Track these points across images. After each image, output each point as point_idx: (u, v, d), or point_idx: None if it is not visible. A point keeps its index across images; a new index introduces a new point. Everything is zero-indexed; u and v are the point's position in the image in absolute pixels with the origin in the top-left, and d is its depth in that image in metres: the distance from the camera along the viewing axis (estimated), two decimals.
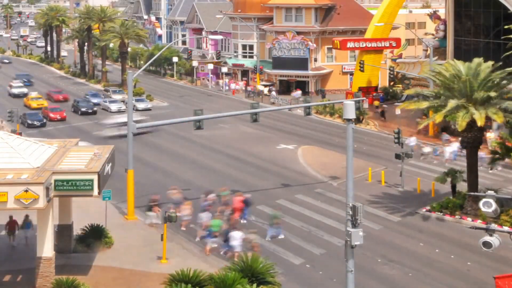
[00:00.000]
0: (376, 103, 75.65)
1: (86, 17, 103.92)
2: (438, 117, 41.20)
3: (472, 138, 41.28)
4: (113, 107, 78.21)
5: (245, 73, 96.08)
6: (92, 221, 36.69)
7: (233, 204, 39.86)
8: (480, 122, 39.23)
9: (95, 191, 30.28)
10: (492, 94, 40.26)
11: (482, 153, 54.41)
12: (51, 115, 72.74)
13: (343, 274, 26.33)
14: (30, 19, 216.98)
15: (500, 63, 44.63)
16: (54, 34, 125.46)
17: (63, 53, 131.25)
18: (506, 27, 52.74)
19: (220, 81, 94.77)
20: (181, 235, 37.39)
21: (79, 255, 34.27)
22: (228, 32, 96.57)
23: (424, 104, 43.10)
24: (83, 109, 76.81)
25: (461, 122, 39.71)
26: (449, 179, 43.89)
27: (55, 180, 29.86)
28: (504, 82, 42.53)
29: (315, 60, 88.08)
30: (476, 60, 42.88)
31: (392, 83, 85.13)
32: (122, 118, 59.71)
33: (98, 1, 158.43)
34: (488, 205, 23.23)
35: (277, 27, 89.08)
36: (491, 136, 55.42)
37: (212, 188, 44.01)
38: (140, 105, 78.23)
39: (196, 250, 35.97)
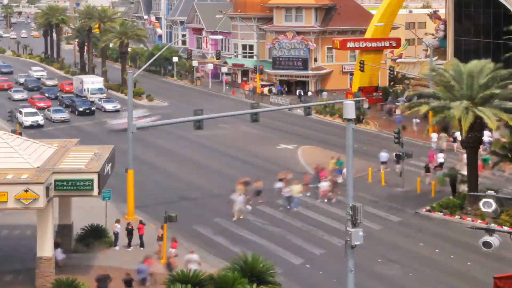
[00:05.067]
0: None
1: (86, 17, 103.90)
2: (454, 122, 40.84)
3: (472, 138, 41.32)
4: (108, 106, 78.33)
5: (245, 73, 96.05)
6: (92, 221, 36.70)
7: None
8: (492, 125, 39.44)
9: (95, 191, 30.30)
10: (495, 92, 40.34)
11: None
12: None
13: (343, 274, 26.32)
14: (30, 19, 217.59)
15: (501, 64, 44.66)
16: (54, 34, 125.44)
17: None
18: (505, 29, 52.84)
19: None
20: (181, 235, 37.34)
21: (79, 255, 34.27)
22: (228, 32, 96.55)
23: (426, 108, 43.05)
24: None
25: (465, 123, 39.73)
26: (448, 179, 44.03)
27: (55, 180, 29.88)
28: (506, 82, 42.54)
29: (315, 60, 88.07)
30: (478, 61, 42.93)
31: (392, 83, 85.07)
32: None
33: (98, 1, 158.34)
34: (488, 205, 23.20)
35: (277, 27, 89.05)
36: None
37: (212, 188, 43.96)
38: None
39: (196, 250, 35.92)
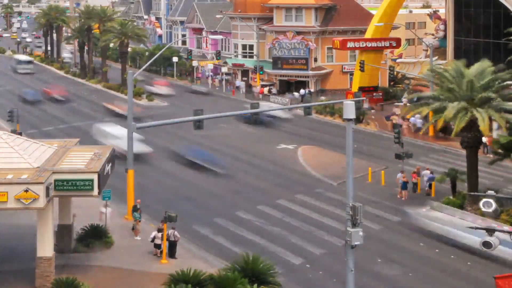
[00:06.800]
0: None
1: (86, 17, 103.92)
2: (440, 122, 41.10)
3: (472, 138, 41.34)
4: None
5: (245, 73, 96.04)
6: (92, 221, 36.70)
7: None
8: (484, 128, 39.43)
9: (95, 191, 30.30)
10: (492, 95, 40.39)
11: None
12: None
13: (343, 274, 26.35)
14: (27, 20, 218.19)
15: (501, 64, 44.72)
16: (54, 34, 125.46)
17: (66, 53, 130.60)
18: (505, 31, 52.86)
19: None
20: (181, 235, 37.32)
21: (79, 255, 34.28)
22: (228, 32, 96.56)
23: (426, 110, 43.12)
24: None
25: (458, 124, 39.84)
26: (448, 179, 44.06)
27: (55, 180, 29.87)
28: (505, 83, 42.59)
29: (315, 60, 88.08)
30: (478, 62, 42.99)
31: (392, 83, 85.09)
32: None
33: (98, 1, 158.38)
34: (488, 205, 23.27)
35: (277, 27, 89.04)
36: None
37: (212, 188, 43.90)
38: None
39: (196, 250, 35.97)
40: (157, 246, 34.51)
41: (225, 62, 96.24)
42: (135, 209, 38.09)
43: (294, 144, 60.64)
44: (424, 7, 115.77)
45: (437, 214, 38.89)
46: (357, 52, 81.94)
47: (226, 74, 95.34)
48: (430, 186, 45.58)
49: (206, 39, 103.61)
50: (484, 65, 42.64)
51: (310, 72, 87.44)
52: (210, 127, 56.42)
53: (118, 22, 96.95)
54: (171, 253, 34.47)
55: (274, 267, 30.98)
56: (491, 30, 63.61)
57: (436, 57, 71.87)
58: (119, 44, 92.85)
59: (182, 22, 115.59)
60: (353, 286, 25.14)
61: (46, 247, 30.47)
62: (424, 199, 44.49)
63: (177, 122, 49.61)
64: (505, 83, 42.38)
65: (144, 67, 49.22)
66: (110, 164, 33.38)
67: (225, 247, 36.42)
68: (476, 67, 42.58)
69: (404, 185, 44.81)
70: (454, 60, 49.44)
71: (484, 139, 50.25)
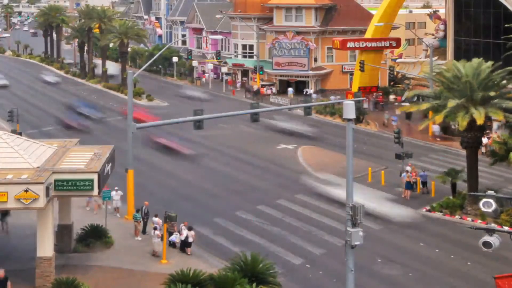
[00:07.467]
0: None
1: (86, 17, 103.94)
2: (438, 118, 41.32)
3: (472, 138, 41.35)
4: None
5: (245, 73, 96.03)
6: (92, 221, 36.70)
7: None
8: (479, 121, 39.35)
9: (95, 191, 30.31)
10: (491, 94, 40.42)
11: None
12: None
13: (343, 274, 26.34)
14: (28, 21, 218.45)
15: (500, 63, 44.75)
16: (54, 34, 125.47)
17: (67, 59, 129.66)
18: (506, 25, 52.85)
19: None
20: None
21: (79, 255, 34.28)
22: (228, 32, 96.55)
23: (425, 106, 43.29)
24: None
25: (461, 122, 39.85)
26: (449, 179, 44.05)
27: (55, 180, 29.89)
28: (504, 82, 42.64)
29: (315, 60, 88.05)
30: (476, 60, 43.00)
31: (392, 83, 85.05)
32: None
33: (98, 1, 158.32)
34: (488, 205, 23.24)
35: (277, 27, 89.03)
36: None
37: (212, 188, 43.90)
38: None
39: (196, 250, 35.94)
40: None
41: (225, 62, 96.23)
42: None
43: (294, 144, 60.61)
44: (424, 7, 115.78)
45: None
46: (357, 52, 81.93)
47: (226, 74, 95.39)
48: (423, 184, 45.56)
49: (206, 39, 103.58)
50: (480, 63, 42.66)
51: (310, 72, 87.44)
52: (210, 127, 56.44)
53: (118, 22, 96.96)
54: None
55: (273, 267, 30.97)
56: (491, 30, 63.60)
57: (436, 57, 71.84)
58: (119, 44, 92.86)
59: (182, 22, 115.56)
60: (353, 286, 25.12)
61: (46, 247, 30.48)
62: (425, 198, 44.56)
63: (177, 122, 49.63)
64: (502, 81, 42.43)
65: (144, 67, 49.24)
66: (110, 164, 33.38)
67: (225, 247, 36.42)
68: (472, 65, 42.56)
69: (409, 185, 44.79)
70: (453, 60, 49.46)
71: (484, 140, 50.26)
